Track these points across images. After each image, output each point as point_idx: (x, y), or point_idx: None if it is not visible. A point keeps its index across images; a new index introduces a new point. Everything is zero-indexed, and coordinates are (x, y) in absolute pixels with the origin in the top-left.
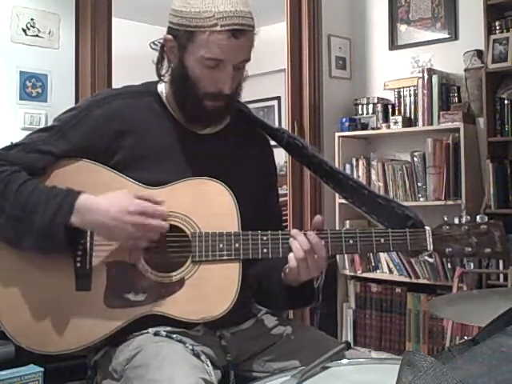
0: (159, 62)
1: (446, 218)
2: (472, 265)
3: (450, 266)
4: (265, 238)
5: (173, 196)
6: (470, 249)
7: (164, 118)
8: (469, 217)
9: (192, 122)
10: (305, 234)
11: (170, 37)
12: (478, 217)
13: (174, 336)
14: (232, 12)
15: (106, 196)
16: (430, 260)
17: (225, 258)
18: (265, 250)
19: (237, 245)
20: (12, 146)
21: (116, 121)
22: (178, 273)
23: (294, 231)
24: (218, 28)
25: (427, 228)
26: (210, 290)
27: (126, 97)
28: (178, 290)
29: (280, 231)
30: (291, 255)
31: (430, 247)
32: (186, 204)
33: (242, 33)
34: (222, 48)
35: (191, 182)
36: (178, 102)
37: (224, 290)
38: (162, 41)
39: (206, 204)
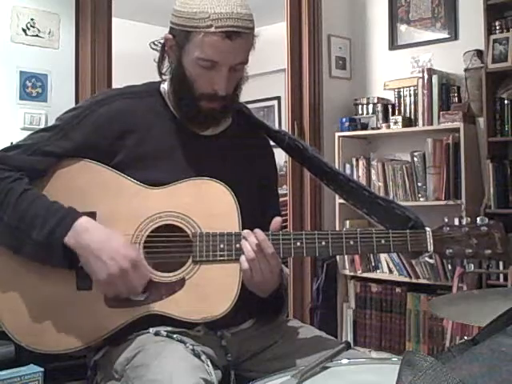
0: (160, 61)
1: (446, 220)
2: (472, 266)
3: (450, 266)
4: None
5: (174, 196)
6: (470, 250)
7: (166, 118)
8: (469, 218)
9: (190, 122)
10: (254, 234)
11: (170, 36)
12: (478, 218)
13: (175, 336)
14: (228, 14)
15: (105, 228)
16: (431, 261)
17: (225, 258)
18: None
19: (237, 245)
20: (13, 147)
21: (118, 121)
22: (179, 273)
23: (245, 231)
24: (213, 29)
25: (427, 229)
26: (210, 290)
27: (127, 97)
28: (179, 290)
29: (281, 232)
30: (242, 257)
31: (431, 248)
32: (187, 204)
33: (237, 35)
34: (216, 49)
35: (192, 182)
36: (176, 101)
37: (225, 290)
38: (162, 40)
39: (206, 204)
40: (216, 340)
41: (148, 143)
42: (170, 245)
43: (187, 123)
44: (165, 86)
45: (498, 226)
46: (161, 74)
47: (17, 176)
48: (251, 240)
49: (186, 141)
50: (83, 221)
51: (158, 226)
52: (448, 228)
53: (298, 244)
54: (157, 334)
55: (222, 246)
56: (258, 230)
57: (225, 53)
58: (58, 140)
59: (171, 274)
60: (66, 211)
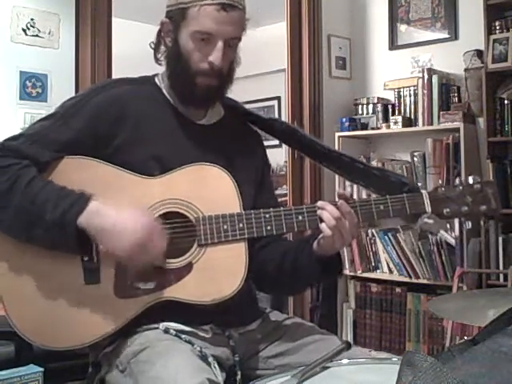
0: (156, 47)
1: (440, 182)
2: (470, 223)
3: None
4: (267, 215)
5: (173, 183)
6: (466, 208)
7: (163, 105)
8: (462, 178)
9: (185, 103)
10: (334, 204)
11: (166, 19)
12: (469, 177)
13: (183, 336)
14: None
15: (118, 207)
16: (430, 222)
17: (230, 238)
18: (268, 227)
19: (241, 224)
20: (16, 137)
21: (116, 105)
22: (185, 258)
23: (321, 202)
24: (209, 1)
25: (423, 191)
26: (218, 271)
27: (126, 83)
28: (187, 274)
29: (282, 208)
30: (323, 225)
31: (429, 209)
32: (187, 190)
33: (231, 7)
34: (211, 21)
35: (190, 169)
36: (172, 82)
37: (232, 270)
38: (159, 26)
39: (206, 188)
40: (224, 340)
41: (146, 127)
42: (174, 231)
43: (183, 108)
44: (160, 79)
45: (491, 183)
46: (157, 59)
47: (25, 163)
48: (330, 209)
49: (183, 127)
50: (95, 203)
51: (160, 213)
52: (443, 188)
53: (300, 218)
54: (166, 331)
55: (225, 226)
56: (341, 201)
57: (220, 24)
58: (58, 127)
59: (178, 260)
60: (78, 194)
